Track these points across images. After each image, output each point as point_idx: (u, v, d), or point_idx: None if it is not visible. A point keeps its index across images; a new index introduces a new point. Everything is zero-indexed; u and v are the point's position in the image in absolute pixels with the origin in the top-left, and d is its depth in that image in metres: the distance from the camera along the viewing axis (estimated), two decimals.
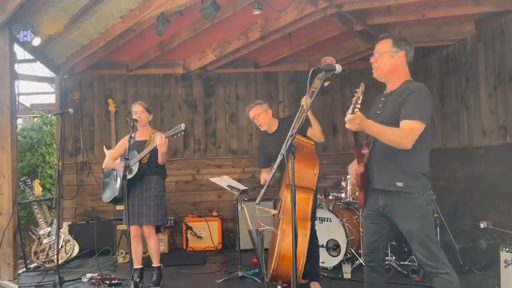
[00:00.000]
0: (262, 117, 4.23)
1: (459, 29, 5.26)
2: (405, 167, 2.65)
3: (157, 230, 4.86)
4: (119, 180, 4.46)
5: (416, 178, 2.67)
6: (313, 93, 3.60)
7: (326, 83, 3.48)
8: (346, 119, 2.46)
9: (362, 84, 2.53)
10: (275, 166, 3.88)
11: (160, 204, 4.40)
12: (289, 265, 3.38)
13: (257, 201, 2.66)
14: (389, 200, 2.71)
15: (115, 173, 4.62)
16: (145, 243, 4.53)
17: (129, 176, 4.25)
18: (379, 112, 2.79)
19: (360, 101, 2.42)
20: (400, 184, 2.64)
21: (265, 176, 4.18)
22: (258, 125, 4.30)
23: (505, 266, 3.47)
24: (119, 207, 5.47)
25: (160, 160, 4.35)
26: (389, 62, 2.76)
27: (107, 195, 4.62)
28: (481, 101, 5.06)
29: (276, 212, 3.92)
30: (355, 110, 2.41)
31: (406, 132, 2.56)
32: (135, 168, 4.29)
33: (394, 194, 2.67)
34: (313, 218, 4.09)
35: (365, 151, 2.78)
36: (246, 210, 4.44)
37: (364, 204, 2.86)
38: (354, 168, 2.88)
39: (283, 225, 3.54)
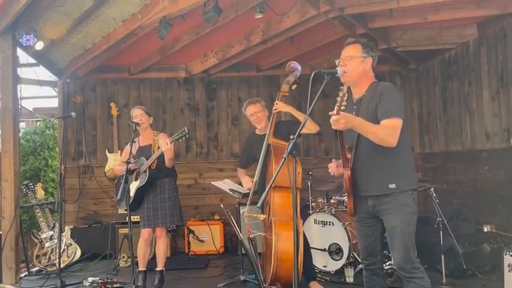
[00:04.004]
0: (262, 115, 4.22)
1: (461, 32, 5.25)
2: (395, 167, 2.68)
3: None
4: (131, 189, 4.41)
5: (407, 174, 2.72)
6: (283, 97, 4.04)
7: (294, 87, 3.69)
8: (331, 120, 2.46)
9: (345, 83, 2.57)
10: (257, 172, 3.92)
11: (175, 205, 4.44)
12: (288, 266, 3.36)
13: (258, 204, 2.63)
14: (379, 200, 2.72)
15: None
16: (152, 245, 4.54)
17: (140, 184, 4.29)
18: None
19: (344, 101, 2.44)
20: (392, 186, 2.66)
21: (248, 182, 4.21)
22: (255, 123, 4.25)
23: (509, 270, 3.45)
24: (121, 211, 5.46)
25: (167, 165, 4.36)
26: (359, 67, 2.77)
27: (123, 206, 4.55)
28: (484, 104, 5.05)
29: (264, 216, 3.89)
30: (340, 110, 2.43)
31: (390, 129, 2.59)
32: (145, 176, 4.29)
33: (385, 195, 2.68)
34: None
35: (349, 156, 2.77)
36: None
37: (355, 211, 2.84)
38: (334, 165, 2.86)
39: (276, 228, 3.50)
